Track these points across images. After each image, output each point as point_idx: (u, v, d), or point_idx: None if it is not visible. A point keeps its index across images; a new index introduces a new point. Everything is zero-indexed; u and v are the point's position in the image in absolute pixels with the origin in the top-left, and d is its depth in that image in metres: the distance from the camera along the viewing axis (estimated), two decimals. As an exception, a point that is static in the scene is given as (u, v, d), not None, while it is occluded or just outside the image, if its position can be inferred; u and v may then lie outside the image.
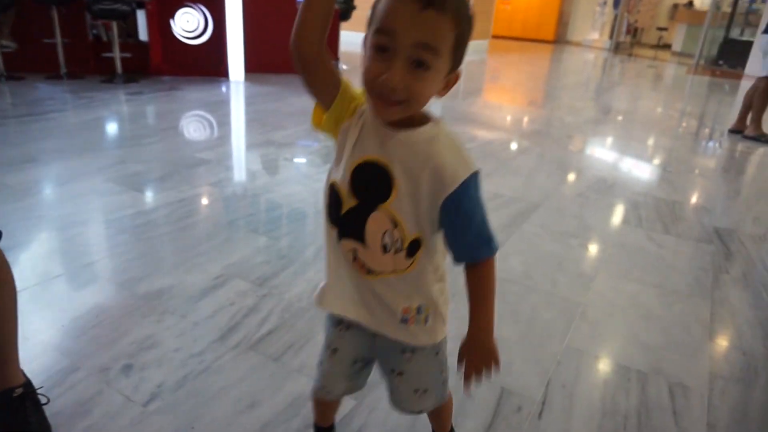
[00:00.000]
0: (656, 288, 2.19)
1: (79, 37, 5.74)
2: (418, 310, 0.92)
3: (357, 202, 0.85)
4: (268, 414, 1.40)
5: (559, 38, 16.11)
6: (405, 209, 0.83)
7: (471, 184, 0.80)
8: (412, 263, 0.88)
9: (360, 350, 1.03)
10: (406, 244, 0.85)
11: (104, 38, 6.02)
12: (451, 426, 1.25)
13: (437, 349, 1.00)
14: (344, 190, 0.86)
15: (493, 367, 0.90)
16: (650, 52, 14.70)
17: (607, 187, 3.39)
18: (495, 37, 13.67)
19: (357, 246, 0.88)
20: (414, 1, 0.70)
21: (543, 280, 2.19)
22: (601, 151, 4.50)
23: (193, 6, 5.94)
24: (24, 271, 2.00)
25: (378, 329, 0.96)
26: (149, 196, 2.79)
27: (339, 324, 1.02)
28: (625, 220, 2.89)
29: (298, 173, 3.34)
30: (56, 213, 2.51)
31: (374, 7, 0.75)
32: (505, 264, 2.29)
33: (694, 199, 3.35)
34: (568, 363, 1.69)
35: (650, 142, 4.89)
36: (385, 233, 0.85)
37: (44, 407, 1.31)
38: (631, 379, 1.64)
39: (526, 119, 5.61)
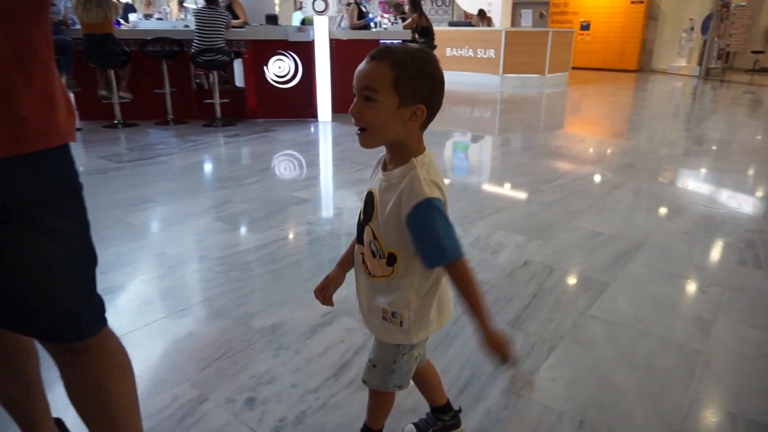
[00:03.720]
0: (787, 336, 2.02)
1: (184, 86, 6.27)
2: (393, 314, 1.15)
3: (362, 218, 1.17)
4: (387, 454, 1.42)
5: (643, 67, 15.55)
6: (380, 228, 1.11)
7: (422, 207, 1.03)
8: (392, 272, 1.12)
9: None
10: (385, 255, 1.12)
11: (206, 86, 6.54)
12: (381, 427, 1.41)
13: (406, 347, 1.20)
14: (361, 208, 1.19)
15: (506, 350, 1.05)
16: (745, 77, 13.83)
17: (715, 225, 3.20)
18: (575, 68, 13.42)
19: (362, 250, 1.17)
20: (365, 60, 1.03)
21: (656, 325, 2.08)
22: (703, 185, 4.26)
23: (285, 53, 6.34)
24: (152, 305, 2.17)
25: (368, 321, 1.23)
26: (255, 234, 2.96)
27: None
28: (741, 261, 2.70)
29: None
30: (174, 250, 2.71)
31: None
32: (613, 306, 2.21)
33: (817, 237, 3.08)
34: (696, 417, 1.59)
35: (757, 174, 4.57)
36: (371, 242, 1.14)
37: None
38: (770, 437, 1.51)
39: (615, 152, 5.43)
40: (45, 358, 1.28)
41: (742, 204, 3.74)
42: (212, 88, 6.14)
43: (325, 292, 1.31)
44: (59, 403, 1.45)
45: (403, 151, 1.07)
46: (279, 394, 1.65)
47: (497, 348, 1.04)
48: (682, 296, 2.35)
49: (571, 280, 2.45)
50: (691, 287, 2.43)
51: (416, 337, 1.17)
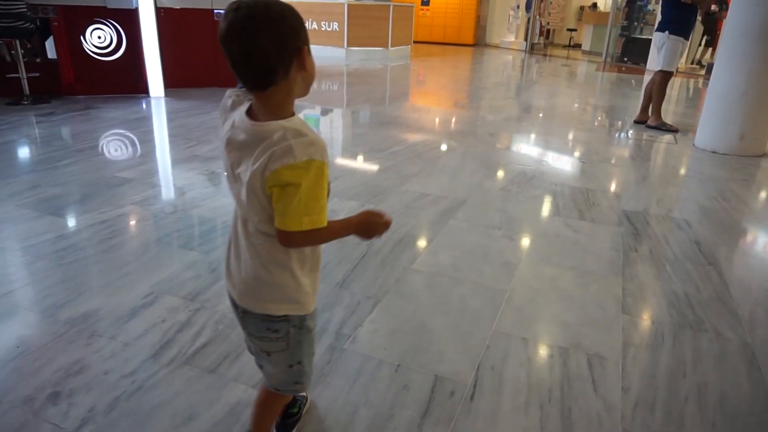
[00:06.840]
0: (573, 270, 2.35)
1: (-22, 57, 5.38)
2: None
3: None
4: (207, 425, 1.40)
5: (479, 41, 16.71)
6: None
7: None
8: None
9: None
10: None
11: (8, 58, 5.67)
12: None
13: None
14: None
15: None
16: (563, 52, 15.53)
17: (527, 180, 3.58)
18: (417, 42, 14.00)
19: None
20: None
21: (470, 272, 2.30)
22: (522, 147, 4.74)
23: (104, 22, 5.72)
24: (-69, 308, 1.88)
25: None
26: (68, 219, 2.68)
27: None
28: (545, 210, 3.07)
29: (225, 186, 3.29)
30: (-36, 244, 2.36)
31: (302, 27, 0.98)
32: (434, 259, 2.38)
33: (605, 186, 3.60)
34: (496, 346, 1.79)
35: (567, 135, 5.20)
36: None
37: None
38: (553, 355, 1.76)
39: (450, 120, 5.80)
40: None
41: (552, 161, 4.24)
42: (16, 61, 5.35)
43: None
44: None
45: None
46: (89, 384, 1.54)
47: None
48: (493, 245, 2.61)
49: (399, 239, 2.60)
50: (502, 236, 2.71)
51: None
